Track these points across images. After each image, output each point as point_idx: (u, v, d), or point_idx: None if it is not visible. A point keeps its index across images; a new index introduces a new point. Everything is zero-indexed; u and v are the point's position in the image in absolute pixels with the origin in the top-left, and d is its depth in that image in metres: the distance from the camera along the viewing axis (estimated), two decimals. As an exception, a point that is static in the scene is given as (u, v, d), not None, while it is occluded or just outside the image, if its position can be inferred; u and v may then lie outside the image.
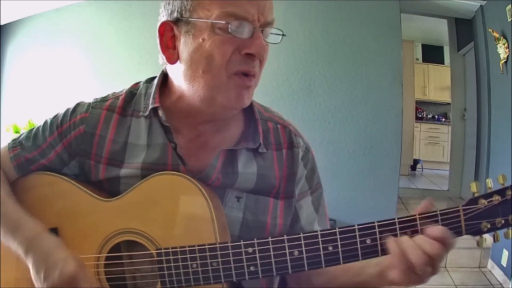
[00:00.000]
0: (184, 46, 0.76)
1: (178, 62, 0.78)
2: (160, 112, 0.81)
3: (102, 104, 0.87)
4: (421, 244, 0.65)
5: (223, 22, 0.72)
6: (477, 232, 0.66)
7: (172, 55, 0.79)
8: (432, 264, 0.65)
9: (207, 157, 0.83)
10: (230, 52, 0.73)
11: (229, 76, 0.75)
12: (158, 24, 0.79)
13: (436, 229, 0.65)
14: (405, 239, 0.66)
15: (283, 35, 0.79)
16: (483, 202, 0.66)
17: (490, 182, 0.67)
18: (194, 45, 0.75)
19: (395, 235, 0.67)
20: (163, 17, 0.79)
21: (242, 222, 0.82)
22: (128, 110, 0.86)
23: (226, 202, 0.81)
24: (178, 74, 0.80)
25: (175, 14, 0.76)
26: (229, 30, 0.72)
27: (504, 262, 3.05)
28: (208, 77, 0.75)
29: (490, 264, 3.30)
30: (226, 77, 0.75)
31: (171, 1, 0.77)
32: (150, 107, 0.82)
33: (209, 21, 0.72)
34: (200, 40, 0.74)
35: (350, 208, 3.43)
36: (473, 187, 0.67)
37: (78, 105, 0.88)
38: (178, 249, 0.74)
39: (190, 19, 0.74)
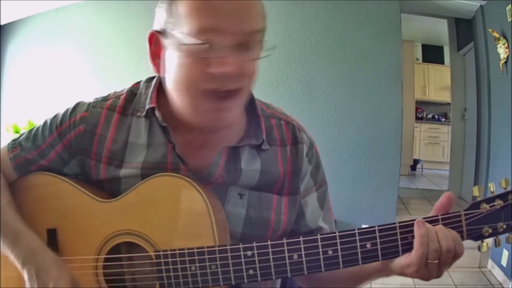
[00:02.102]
0: (167, 58, 0.75)
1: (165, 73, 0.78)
2: (157, 113, 0.81)
3: (103, 104, 0.86)
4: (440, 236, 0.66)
5: (193, 40, 0.68)
6: (478, 237, 0.66)
7: (158, 65, 0.78)
8: (440, 262, 0.66)
9: (207, 155, 0.82)
10: (200, 71, 0.70)
11: (198, 95, 0.72)
12: (149, 32, 0.77)
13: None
14: (430, 227, 0.66)
15: (273, 47, 0.73)
16: (485, 206, 0.65)
17: (492, 186, 0.66)
18: (172, 61, 0.73)
19: (396, 240, 0.67)
20: (154, 24, 0.78)
21: (245, 219, 0.81)
22: (129, 109, 0.85)
23: (229, 199, 0.81)
24: (167, 82, 0.79)
25: (162, 25, 0.74)
26: (197, 48, 0.69)
27: (504, 262, 3.05)
28: (180, 95, 0.74)
29: (490, 264, 3.30)
30: (196, 97, 0.72)
31: (158, 9, 0.76)
32: (147, 107, 0.82)
33: (182, 36, 0.70)
34: (176, 57, 0.72)
35: (350, 208, 3.43)
36: (475, 191, 0.66)
37: (77, 104, 0.88)
38: (177, 252, 0.73)
39: (171, 32, 0.72)
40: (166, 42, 0.74)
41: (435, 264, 0.66)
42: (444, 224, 0.66)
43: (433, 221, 0.67)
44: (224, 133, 0.84)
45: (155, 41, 0.77)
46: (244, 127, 0.86)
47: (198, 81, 0.71)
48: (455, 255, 0.66)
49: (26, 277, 0.76)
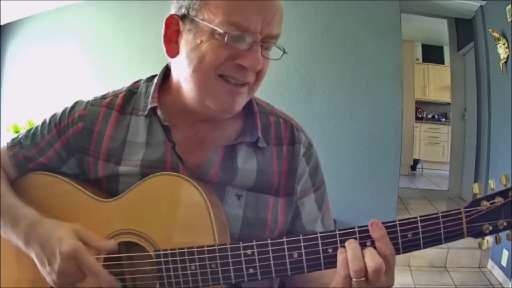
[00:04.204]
0: (185, 43, 0.76)
1: (177, 57, 0.78)
2: (159, 112, 0.81)
3: (101, 102, 0.87)
4: (366, 255, 0.65)
5: (222, 32, 0.71)
6: (479, 234, 0.65)
7: (173, 48, 0.79)
8: (369, 279, 0.64)
9: (205, 154, 0.82)
10: (224, 57, 0.73)
11: (217, 77, 0.74)
12: (167, 16, 0.79)
13: (386, 246, 0.65)
14: (353, 247, 0.66)
15: (284, 52, 0.79)
16: (485, 204, 0.65)
17: (492, 183, 0.66)
18: (192, 45, 0.75)
19: (396, 237, 0.67)
20: (173, 9, 0.79)
21: (242, 220, 0.81)
22: (128, 108, 0.86)
23: (227, 200, 0.81)
24: (176, 69, 0.81)
25: (183, 10, 0.76)
26: (225, 40, 0.71)
27: (504, 262, 3.05)
28: (197, 76, 0.75)
29: (490, 264, 3.30)
30: (214, 78, 0.74)
31: None
32: (149, 106, 0.82)
33: (210, 26, 0.72)
34: (199, 41, 0.74)
35: (350, 208, 3.43)
36: (475, 188, 0.66)
37: (76, 103, 0.88)
38: (177, 251, 0.73)
39: (195, 18, 0.74)
40: (187, 27, 0.75)
41: (363, 281, 0.65)
42: (444, 222, 0.66)
43: (433, 219, 0.66)
44: (222, 129, 0.84)
45: (172, 25, 0.78)
46: (241, 125, 0.87)
47: (222, 67, 0.74)
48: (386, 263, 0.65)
49: (33, 256, 0.75)
